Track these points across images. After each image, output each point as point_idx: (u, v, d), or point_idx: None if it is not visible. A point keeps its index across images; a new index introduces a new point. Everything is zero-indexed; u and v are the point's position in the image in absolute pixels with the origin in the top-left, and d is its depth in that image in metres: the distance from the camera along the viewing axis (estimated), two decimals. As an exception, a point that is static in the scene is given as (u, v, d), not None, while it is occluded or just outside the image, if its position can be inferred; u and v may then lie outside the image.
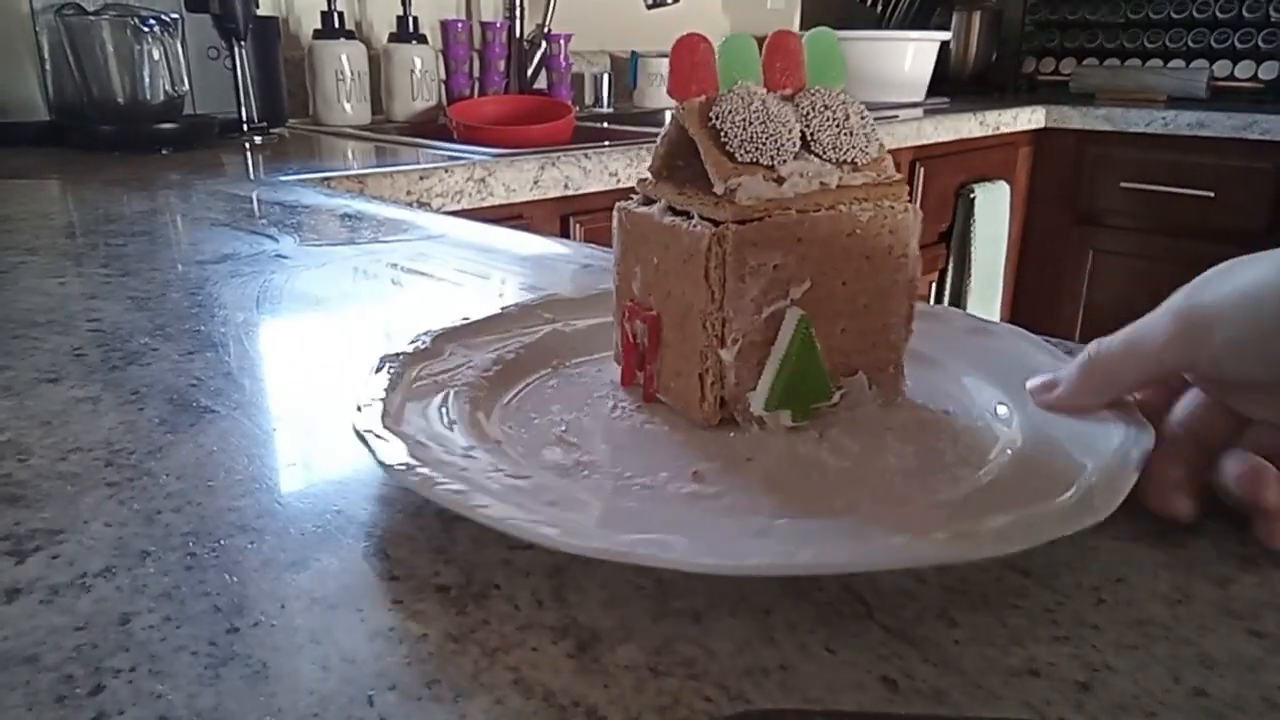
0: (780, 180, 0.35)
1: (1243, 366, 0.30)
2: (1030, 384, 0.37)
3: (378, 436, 0.31)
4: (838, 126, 0.36)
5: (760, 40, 0.36)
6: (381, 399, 0.34)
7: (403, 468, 0.29)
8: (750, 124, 0.35)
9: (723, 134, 0.35)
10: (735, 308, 0.35)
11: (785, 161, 0.35)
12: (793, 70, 0.37)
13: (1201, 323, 0.31)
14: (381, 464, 0.29)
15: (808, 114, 0.36)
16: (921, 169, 1.83)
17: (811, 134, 0.36)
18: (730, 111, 0.35)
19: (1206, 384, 0.33)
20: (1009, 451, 0.33)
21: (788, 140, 0.35)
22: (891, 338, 0.38)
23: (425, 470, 0.29)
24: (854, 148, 0.36)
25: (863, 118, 0.37)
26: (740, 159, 0.35)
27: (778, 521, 0.28)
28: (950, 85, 2.37)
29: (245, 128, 1.29)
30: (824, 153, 0.36)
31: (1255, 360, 0.30)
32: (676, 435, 0.36)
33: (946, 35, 2.23)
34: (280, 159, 1.16)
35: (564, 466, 0.33)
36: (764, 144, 0.35)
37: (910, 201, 0.37)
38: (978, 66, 2.51)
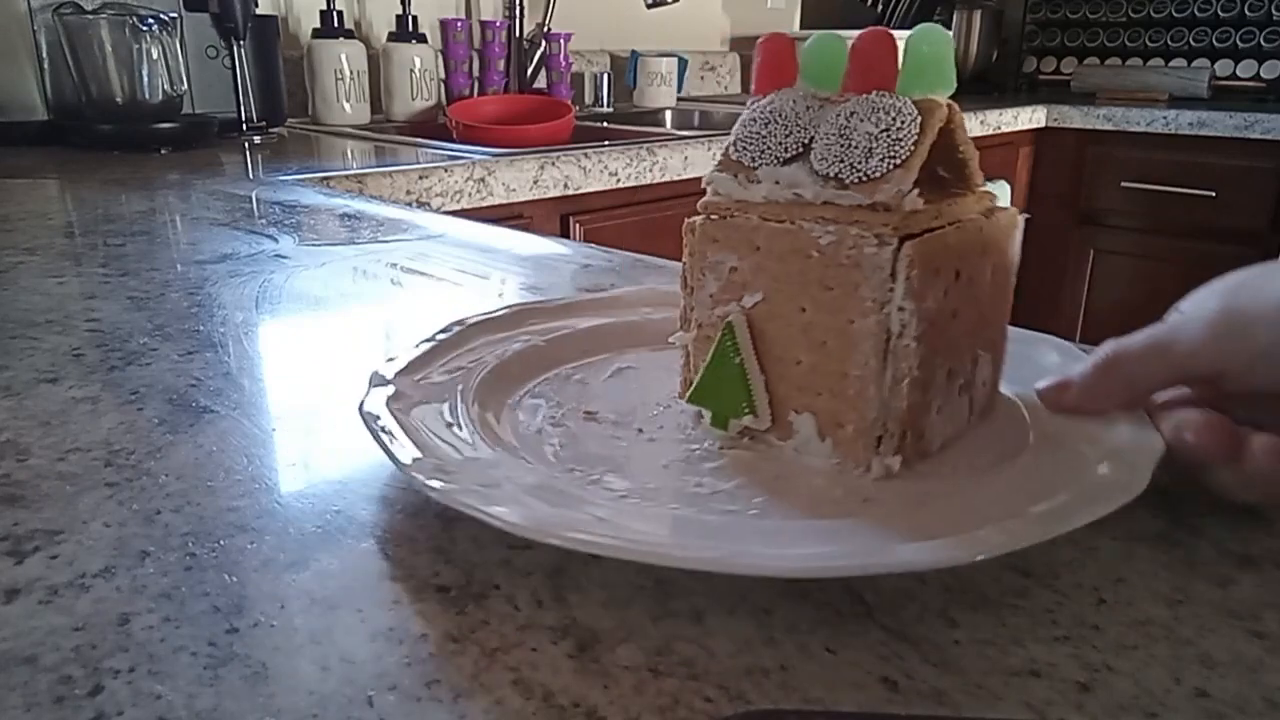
0: (754, 182, 0.34)
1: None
2: (1039, 386, 0.36)
3: (385, 429, 0.32)
4: (839, 137, 0.33)
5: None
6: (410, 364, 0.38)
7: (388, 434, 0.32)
8: (753, 123, 0.35)
9: (735, 130, 0.36)
10: (697, 298, 0.36)
11: (768, 165, 0.34)
12: (864, 72, 0.34)
13: (1243, 327, 0.30)
14: (363, 412, 0.33)
15: (829, 121, 0.33)
16: (921, 168, 1.83)
17: (813, 142, 0.34)
18: (752, 110, 0.35)
19: (1223, 394, 0.32)
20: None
21: (778, 145, 0.34)
22: (850, 393, 0.32)
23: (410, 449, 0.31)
24: (843, 162, 0.32)
25: (885, 131, 0.32)
26: (730, 155, 0.35)
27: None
28: (950, 84, 2.37)
29: (244, 127, 1.29)
30: (814, 163, 0.33)
31: None
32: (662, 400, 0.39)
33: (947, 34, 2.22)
34: (279, 159, 1.16)
35: (536, 425, 0.37)
36: (749, 144, 0.35)
37: (901, 235, 0.31)
38: (978, 66, 2.51)
